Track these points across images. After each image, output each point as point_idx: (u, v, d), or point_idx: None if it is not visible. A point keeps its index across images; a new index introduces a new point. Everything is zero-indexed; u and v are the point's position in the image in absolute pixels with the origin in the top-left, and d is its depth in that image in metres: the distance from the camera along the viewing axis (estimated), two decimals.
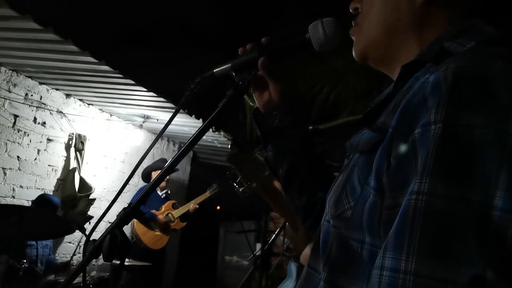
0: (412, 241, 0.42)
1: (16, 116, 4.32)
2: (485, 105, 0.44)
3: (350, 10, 0.71)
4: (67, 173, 4.83)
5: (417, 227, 0.42)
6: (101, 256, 0.70)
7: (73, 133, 4.89)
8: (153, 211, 5.11)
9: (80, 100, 5.01)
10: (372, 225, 0.52)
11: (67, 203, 4.71)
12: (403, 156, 0.48)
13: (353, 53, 0.71)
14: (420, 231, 0.42)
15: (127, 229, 4.79)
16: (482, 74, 0.46)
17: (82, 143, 4.92)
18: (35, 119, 4.52)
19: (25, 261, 2.99)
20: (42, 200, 3.88)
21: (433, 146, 0.44)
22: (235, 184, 1.26)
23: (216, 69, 0.83)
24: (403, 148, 0.48)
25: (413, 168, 0.46)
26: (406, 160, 0.47)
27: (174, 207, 5.37)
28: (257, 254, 2.91)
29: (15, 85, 4.29)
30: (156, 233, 5.11)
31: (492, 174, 0.42)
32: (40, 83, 4.55)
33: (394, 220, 0.46)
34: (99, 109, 5.27)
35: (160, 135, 0.91)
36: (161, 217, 5.13)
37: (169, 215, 5.25)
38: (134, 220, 4.93)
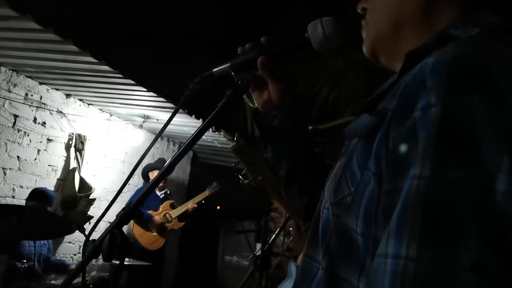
0: (413, 227, 0.42)
1: (16, 116, 4.32)
2: (485, 88, 0.44)
3: (358, 11, 0.71)
4: (67, 173, 4.83)
5: (418, 212, 0.42)
6: (100, 256, 0.70)
7: (73, 133, 4.90)
8: (151, 211, 5.10)
9: (80, 100, 5.02)
10: (368, 212, 0.52)
11: (67, 203, 4.71)
12: (402, 140, 0.47)
13: (364, 50, 0.71)
14: (421, 216, 0.42)
15: (125, 229, 4.79)
16: (483, 57, 0.46)
17: (82, 143, 4.92)
18: (35, 119, 4.52)
19: (25, 261, 2.99)
20: (36, 193, 3.84)
21: (433, 129, 0.43)
22: (240, 176, 1.25)
23: (215, 69, 0.83)
24: (402, 131, 0.47)
25: (413, 152, 0.45)
26: (406, 143, 0.46)
27: (172, 207, 5.36)
28: (257, 254, 2.91)
29: (15, 85, 4.29)
30: (153, 234, 5.11)
31: (493, 157, 0.41)
32: (40, 83, 4.55)
33: (392, 204, 0.45)
34: (99, 109, 5.27)
35: (159, 134, 0.91)
36: (157, 218, 5.10)
37: (167, 215, 5.23)
38: (132, 221, 4.92)
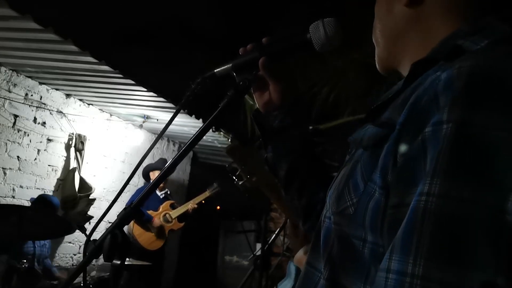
0: (420, 244, 0.41)
1: (16, 116, 4.32)
2: (500, 106, 0.43)
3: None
4: (67, 173, 4.83)
5: (426, 230, 0.41)
6: (101, 256, 0.70)
7: (73, 133, 4.89)
8: (151, 211, 5.09)
9: (80, 100, 5.01)
10: (375, 223, 0.51)
11: (67, 203, 4.71)
12: (411, 154, 0.47)
13: (378, 69, 0.73)
14: (430, 234, 0.41)
15: (125, 229, 4.79)
16: (498, 74, 0.45)
17: (82, 143, 4.92)
18: (35, 119, 4.52)
19: (25, 261, 2.99)
20: (42, 200, 3.87)
21: (445, 146, 0.43)
22: (234, 178, 1.24)
23: (217, 69, 0.83)
24: (411, 146, 0.47)
25: (422, 168, 0.45)
26: (415, 159, 0.46)
27: (173, 207, 5.35)
28: (257, 254, 2.91)
29: (15, 85, 4.29)
30: (153, 234, 5.10)
31: (506, 177, 0.40)
32: (40, 83, 4.55)
33: (399, 219, 0.45)
34: (99, 109, 5.27)
35: (160, 135, 0.91)
36: (156, 220, 5.09)
37: (167, 215, 5.23)
38: (132, 221, 4.91)
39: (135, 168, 0.85)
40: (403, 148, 0.48)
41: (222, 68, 0.82)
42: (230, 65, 0.81)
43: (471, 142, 0.42)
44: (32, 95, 4.48)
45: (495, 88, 0.44)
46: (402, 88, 0.57)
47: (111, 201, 0.84)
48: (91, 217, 4.89)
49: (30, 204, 3.94)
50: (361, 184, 0.55)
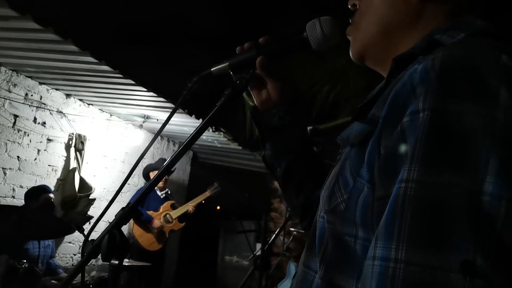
0: (401, 229, 0.42)
1: (16, 116, 4.32)
2: (473, 92, 0.44)
3: (349, 6, 0.71)
4: (67, 173, 4.83)
5: (407, 215, 0.42)
6: (100, 256, 0.70)
7: (73, 133, 4.89)
8: (151, 212, 5.09)
9: (80, 100, 5.01)
10: (365, 218, 0.52)
11: (67, 203, 4.70)
12: (392, 145, 0.48)
13: (350, 53, 0.70)
14: (410, 218, 0.42)
15: (125, 230, 4.79)
16: (471, 62, 0.46)
17: (82, 143, 4.92)
18: (35, 119, 4.52)
19: (25, 261, 2.99)
20: (33, 189, 3.82)
21: (422, 133, 0.44)
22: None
23: (214, 68, 0.83)
24: (392, 137, 0.48)
25: (403, 157, 0.46)
26: (395, 149, 0.47)
27: (173, 207, 5.35)
28: (257, 254, 2.91)
29: (15, 85, 4.29)
30: (153, 234, 5.10)
31: (481, 160, 0.42)
32: (40, 83, 4.55)
33: (384, 210, 0.46)
34: (99, 109, 5.27)
35: (158, 134, 0.91)
36: (156, 222, 5.08)
37: (167, 215, 5.23)
38: (132, 221, 4.91)
39: (132, 168, 0.85)
40: (385, 140, 0.49)
41: (219, 67, 0.82)
42: (227, 64, 0.81)
43: (446, 128, 0.44)
44: (32, 95, 4.48)
45: (468, 76, 0.45)
46: (385, 85, 0.58)
47: (109, 201, 0.84)
48: (91, 217, 4.88)
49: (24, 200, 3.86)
50: (350, 180, 0.55)
